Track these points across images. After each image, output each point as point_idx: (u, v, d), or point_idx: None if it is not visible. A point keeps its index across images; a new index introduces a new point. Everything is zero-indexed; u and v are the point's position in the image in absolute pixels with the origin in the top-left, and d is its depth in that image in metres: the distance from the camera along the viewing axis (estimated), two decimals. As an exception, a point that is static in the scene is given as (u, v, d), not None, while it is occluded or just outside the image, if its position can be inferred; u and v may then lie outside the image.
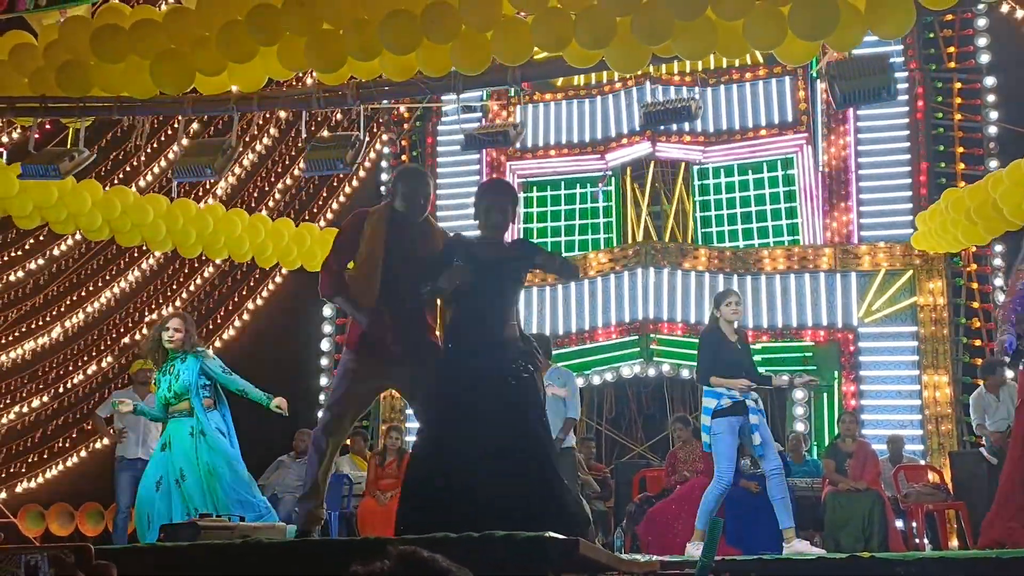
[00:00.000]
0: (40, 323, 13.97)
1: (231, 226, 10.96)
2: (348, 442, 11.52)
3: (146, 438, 9.14)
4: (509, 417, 4.71)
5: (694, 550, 6.92)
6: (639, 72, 11.73)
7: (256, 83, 7.37)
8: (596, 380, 11.88)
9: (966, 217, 9.76)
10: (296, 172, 14.24)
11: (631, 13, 6.10)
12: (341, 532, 9.70)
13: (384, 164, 14.40)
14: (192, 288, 14.50)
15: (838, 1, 5.86)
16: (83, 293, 14.08)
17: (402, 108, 13.53)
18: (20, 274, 13.82)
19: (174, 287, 14.49)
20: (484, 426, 4.66)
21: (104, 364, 14.14)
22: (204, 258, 13.57)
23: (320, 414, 5.58)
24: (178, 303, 14.36)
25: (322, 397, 13.56)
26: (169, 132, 13.08)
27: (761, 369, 7.46)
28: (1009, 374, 8.90)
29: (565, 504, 4.65)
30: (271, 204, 14.45)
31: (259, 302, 14.66)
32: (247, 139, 13.72)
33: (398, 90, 7.44)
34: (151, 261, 14.10)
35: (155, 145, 13.50)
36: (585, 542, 4.04)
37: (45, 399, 13.93)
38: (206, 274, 14.51)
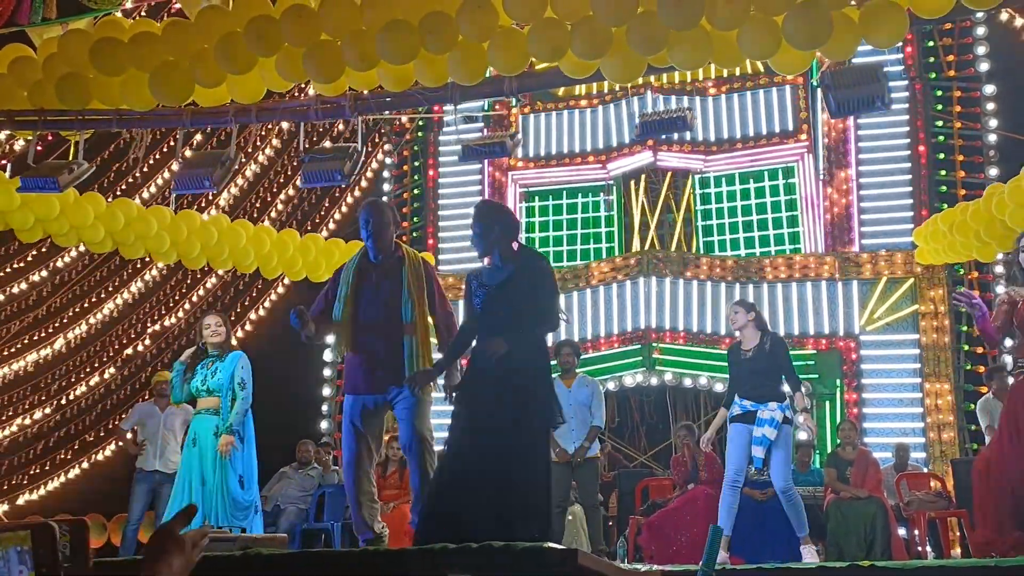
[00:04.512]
0: (43, 335, 14.01)
1: (236, 238, 10.90)
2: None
3: (164, 450, 9.12)
4: (496, 430, 4.85)
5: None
6: (639, 82, 11.74)
7: (255, 95, 7.39)
8: (598, 389, 11.86)
9: (976, 238, 9.67)
10: (298, 183, 14.25)
11: (627, 23, 6.12)
12: (344, 543, 9.69)
13: (386, 175, 14.42)
14: (195, 299, 14.52)
15: (832, 11, 5.87)
16: (86, 304, 14.13)
17: (404, 118, 13.55)
18: (23, 286, 13.87)
19: (176, 298, 14.52)
20: (478, 440, 4.86)
21: (107, 375, 14.17)
22: (207, 269, 13.61)
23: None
24: (181, 314, 14.39)
25: (324, 408, 13.58)
26: (171, 143, 13.12)
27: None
28: (1011, 380, 8.89)
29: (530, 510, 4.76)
30: (273, 215, 14.48)
31: (262, 312, 14.68)
32: (249, 150, 13.76)
33: (396, 101, 7.46)
34: (153, 272, 14.14)
35: (157, 157, 13.55)
36: (583, 552, 4.04)
37: (48, 411, 13.97)
38: (208, 285, 14.53)
